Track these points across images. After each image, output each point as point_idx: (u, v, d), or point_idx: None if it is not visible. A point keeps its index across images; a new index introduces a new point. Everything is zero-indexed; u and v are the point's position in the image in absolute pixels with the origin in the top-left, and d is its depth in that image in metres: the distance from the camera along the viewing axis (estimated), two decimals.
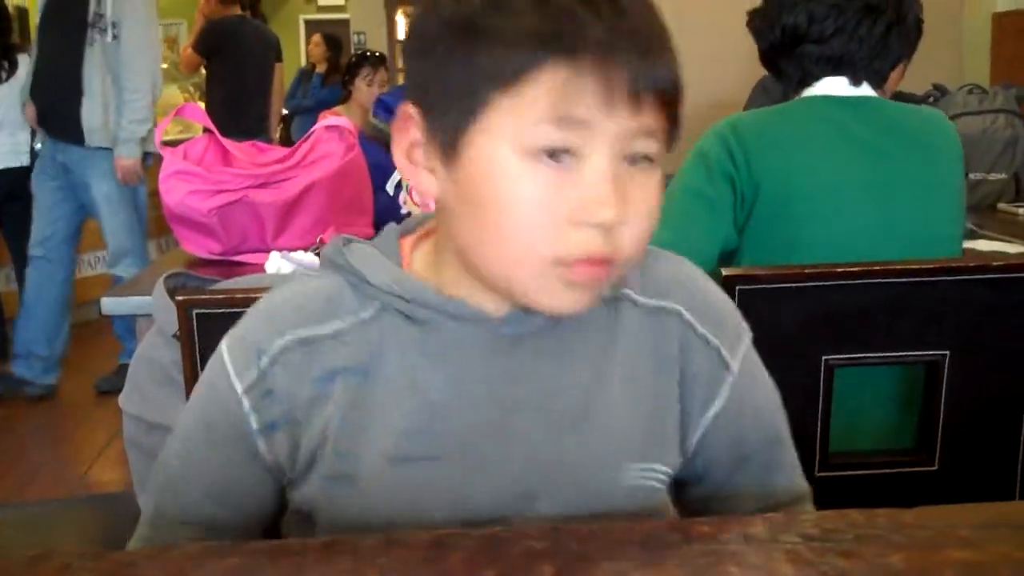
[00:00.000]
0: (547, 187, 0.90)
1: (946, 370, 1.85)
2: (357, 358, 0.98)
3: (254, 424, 0.99)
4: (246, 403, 0.99)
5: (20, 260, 6.15)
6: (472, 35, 0.90)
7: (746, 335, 1.09)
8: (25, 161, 5.96)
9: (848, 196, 1.92)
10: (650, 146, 0.93)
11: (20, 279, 6.17)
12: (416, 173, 0.99)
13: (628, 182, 0.92)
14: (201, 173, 2.48)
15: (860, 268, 1.79)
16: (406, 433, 0.98)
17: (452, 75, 0.92)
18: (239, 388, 0.99)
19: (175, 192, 2.51)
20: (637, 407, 1.03)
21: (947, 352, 1.83)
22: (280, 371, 0.98)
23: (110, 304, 2.23)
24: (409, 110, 0.98)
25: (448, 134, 0.94)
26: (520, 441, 0.99)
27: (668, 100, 0.92)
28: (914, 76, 3.61)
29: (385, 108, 2.92)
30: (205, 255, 2.59)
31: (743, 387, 1.07)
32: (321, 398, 0.98)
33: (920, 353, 1.84)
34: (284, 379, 0.98)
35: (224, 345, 1.02)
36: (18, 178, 5.93)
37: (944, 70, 4.10)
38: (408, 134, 0.98)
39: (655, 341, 1.04)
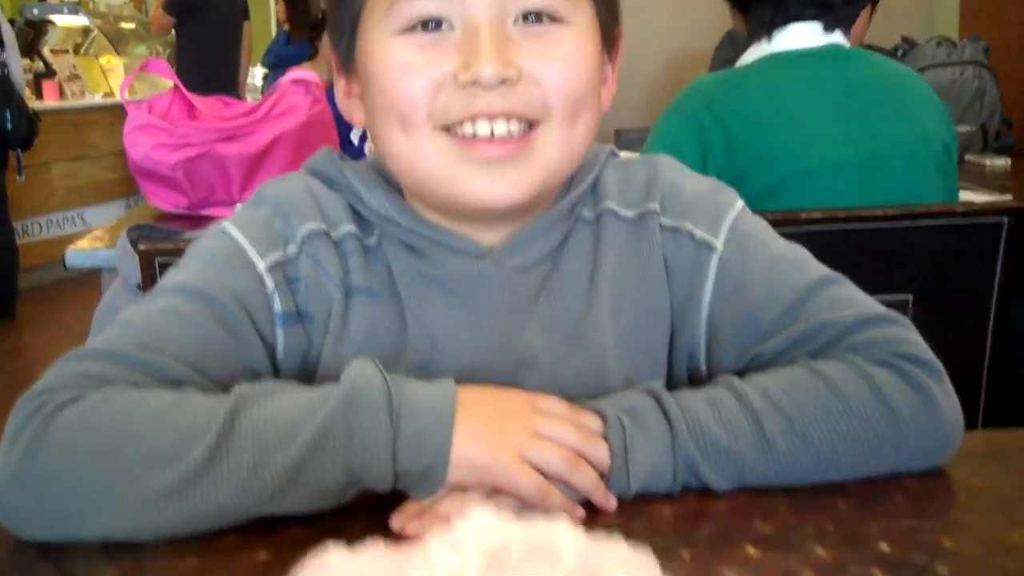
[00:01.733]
0: (423, 52, 0.92)
1: (909, 314, 1.86)
2: (371, 279, 0.99)
3: (278, 307, 0.96)
4: (269, 282, 0.96)
5: None
6: None
7: (730, 208, 1.04)
8: None
9: (834, 172, 1.88)
10: (544, 1, 0.93)
11: None
12: (349, 107, 1.02)
13: (525, 39, 0.92)
14: (166, 127, 2.46)
15: (824, 214, 1.80)
16: (411, 364, 0.98)
17: None
18: (261, 266, 0.96)
19: (140, 146, 2.49)
20: (625, 324, 1.03)
21: (910, 296, 1.85)
22: (307, 262, 0.97)
23: (75, 257, 2.20)
24: (332, 51, 1.02)
25: (344, 47, 1.00)
26: (521, 368, 0.99)
27: None
28: (884, 28, 3.61)
29: None
30: (171, 209, 2.57)
31: (735, 258, 1.02)
32: (341, 311, 0.97)
33: (884, 296, 1.85)
34: (311, 273, 0.97)
35: (229, 226, 0.99)
36: None
37: (914, 23, 4.11)
38: (339, 74, 1.03)
39: (640, 253, 1.04)
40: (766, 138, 1.86)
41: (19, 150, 6.06)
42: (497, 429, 0.85)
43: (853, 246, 1.84)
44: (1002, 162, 3.25)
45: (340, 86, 1.04)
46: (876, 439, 0.91)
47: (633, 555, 0.29)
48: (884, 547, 0.83)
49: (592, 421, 0.89)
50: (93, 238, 2.36)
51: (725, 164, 1.85)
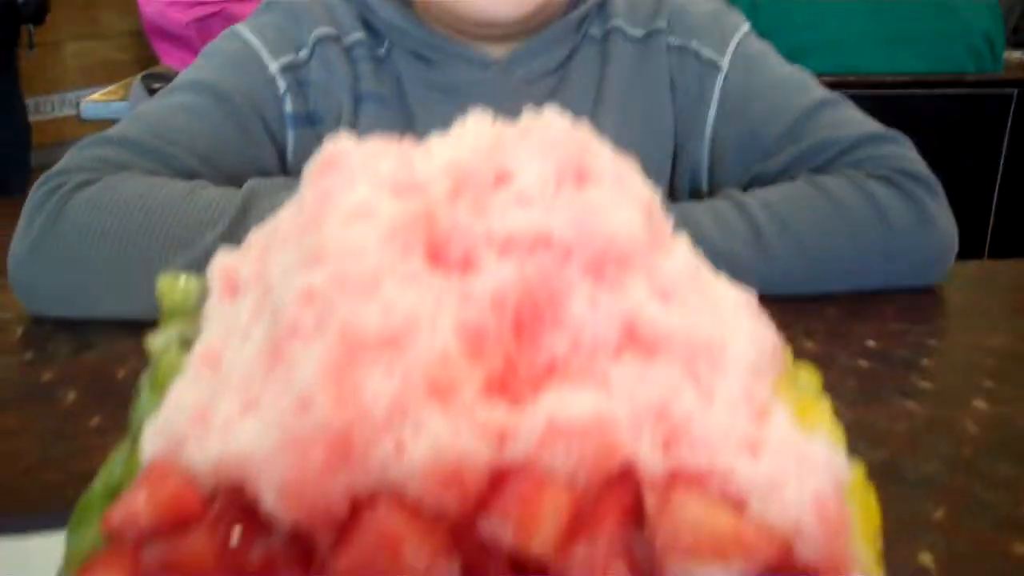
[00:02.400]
0: None
1: None
2: (381, 86, 1.00)
3: (289, 107, 0.99)
4: (281, 84, 0.98)
5: None
6: None
7: (737, 29, 1.06)
8: None
9: (857, 44, 1.87)
10: None
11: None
12: None
13: None
14: None
15: (835, 80, 1.79)
16: None
17: None
18: (273, 68, 0.98)
19: (154, 3, 2.48)
20: (629, 139, 1.04)
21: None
22: (318, 67, 0.99)
23: (90, 109, 2.21)
24: None
25: None
26: None
27: None
28: None
29: None
30: (183, 68, 2.56)
31: (740, 78, 1.04)
32: (350, 116, 0.99)
33: None
34: (322, 76, 0.99)
35: (242, 29, 1.01)
36: None
37: None
38: None
39: (646, 70, 1.05)
40: (790, 3, 1.86)
41: (31, 25, 6.01)
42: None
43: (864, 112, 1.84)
44: (1018, 55, 3.22)
45: None
46: (871, 249, 0.93)
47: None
48: (871, 343, 0.86)
49: None
50: (107, 92, 2.37)
51: None
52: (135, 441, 0.31)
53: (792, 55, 1.86)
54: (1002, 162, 1.92)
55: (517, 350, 0.28)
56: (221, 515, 0.26)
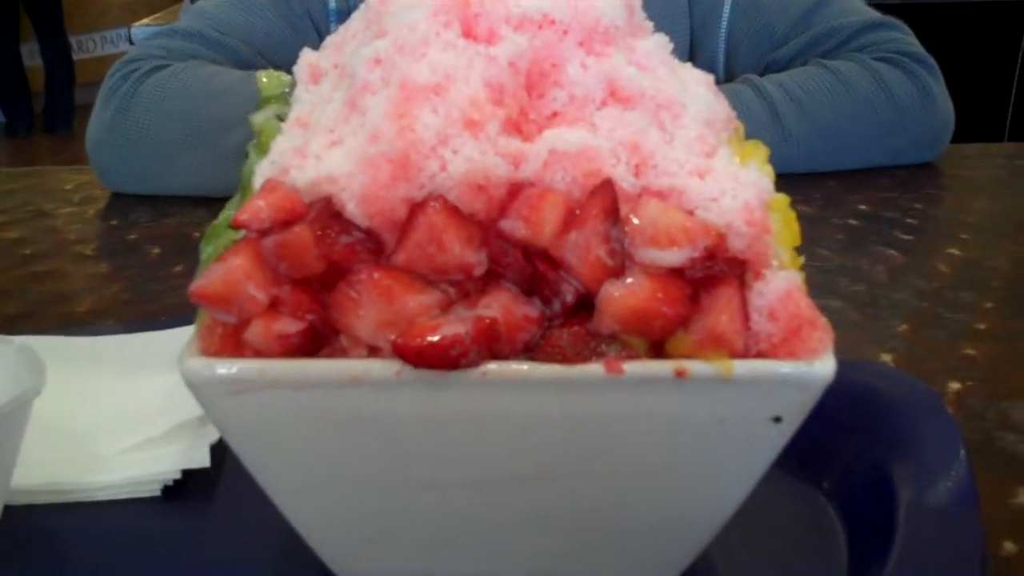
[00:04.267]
0: None
1: None
2: None
3: (332, 3, 1.08)
4: None
5: (43, 35, 6.18)
6: None
7: None
8: None
9: None
10: None
11: (44, 53, 6.21)
12: None
13: None
14: None
15: None
16: None
17: None
18: None
19: None
20: None
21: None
22: None
23: (140, 33, 2.31)
24: None
25: None
26: None
27: None
28: None
29: None
30: None
31: None
32: None
33: None
34: None
35: None
36: None
37: None
38: None
39: None
40: None
41: None
42: None
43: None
44: None
45: None
46: (879, 123, 1.02)
47: None
48: (863, 207, 0.95)
49: None
50: (155, 18, 2.47)
51: None
52: (245, 190, 0.41)
53: None
54: (1017, 74, 1.98)
55: (528, 101, 0.38)
56: (316, 217, 0.37)
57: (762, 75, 1.07)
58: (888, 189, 1.00)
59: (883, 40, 1.06)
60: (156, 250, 0.86)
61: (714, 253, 0.37)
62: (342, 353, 0.37)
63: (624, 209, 0.37)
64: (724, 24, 1.13)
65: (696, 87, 0.41)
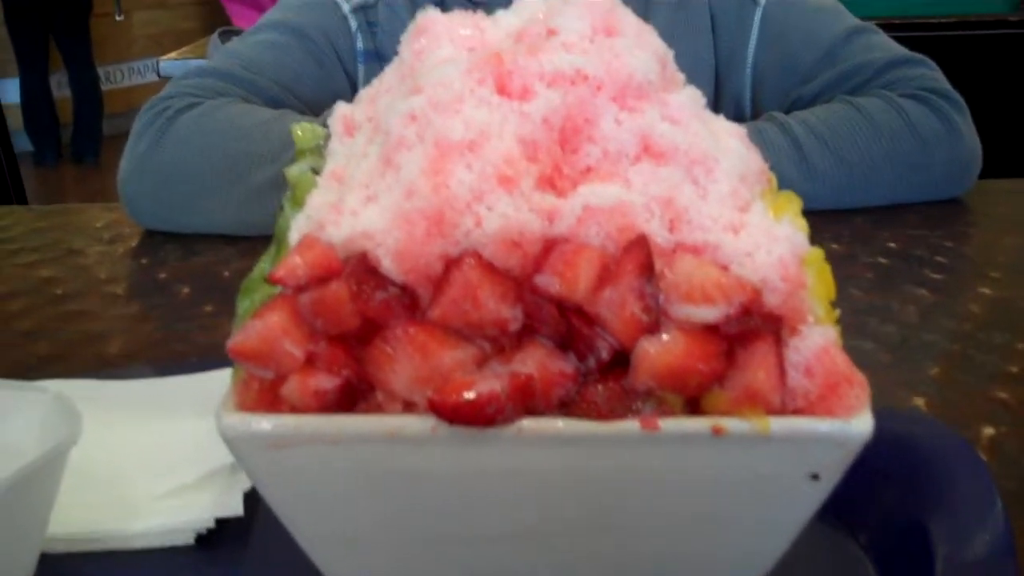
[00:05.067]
0: None
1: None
2: None
3: (360, 44, 1.10)
4: (353, 23, 1.10)
5: (72, 66, 6.25)
6: None
7: None
8: None
9: None
10: None
11: (73, 85, 6.29)
12: None
13: None
14: None
15: (879, 21, 1.86)
16: None
17: None
18: (345, 8, 1.10)
19: None
20: None
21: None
22: (384, 9, 1.10)
23: (169, 66, 2.34)
24: None
25: None
26: None
27: None
28: None
29: None
30: None
31: (777, 10, 1.13)
32: None
33: None
34: (387, 17, 1.10)
35: None
36: None
37: None
38: None
39: (687, 13, 1.14)
40: None
41: None
42: None
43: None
44: None
45: None
46: (905, 160, 1.01)
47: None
48: (891, 244, 0.95)
49: None
50: (182, 52, 2.49)
51: None
52: (280, 243, 0.42)
53: None
54: None
55: (562, 157, 0.38)
56: (352, 273, 0.37)
57: (788, 111, 1.07)
58: (917, 226, 1.00)
59: (909, 76, 1.06)
60: (186, 289, 0.87)
61: (749, 309, 0.37)
62: (378, 408, 0.37)
63: (659, 264, 0.37)
64: (750, 58, 1.13)
65: (729, 140, 0.42)
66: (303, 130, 0.45)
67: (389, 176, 0.38)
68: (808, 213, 1.03)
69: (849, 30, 1.09)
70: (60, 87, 6.41)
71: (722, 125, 0.43)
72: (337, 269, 0.37)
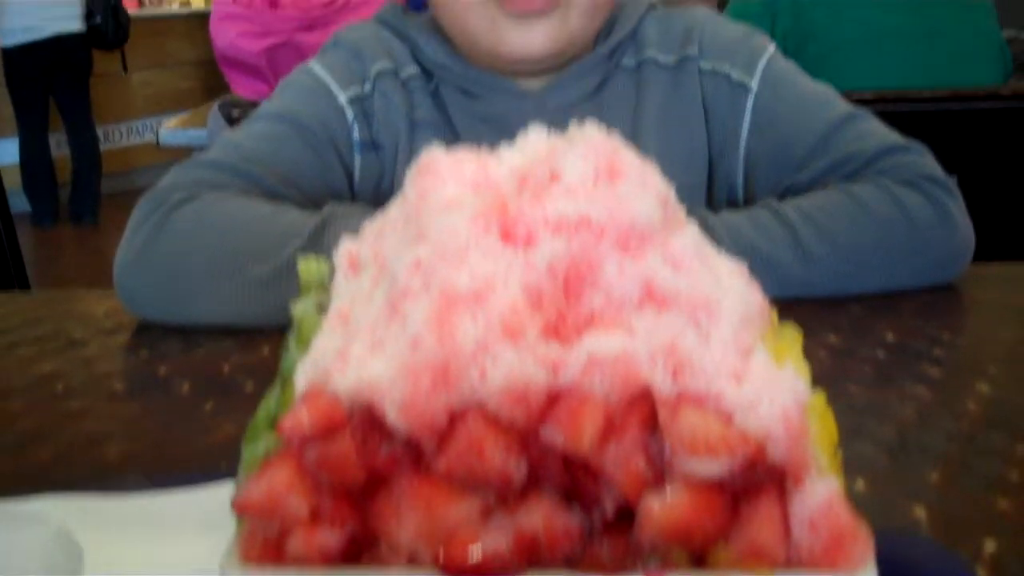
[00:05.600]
0: None
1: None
2: (434, 115, 1.12)
3: (356, 135, 1.11)
4: (349, 113, 1.11)
5: (71, 127, 6.29)
6: None
7: (764, 51, 1.15)
8: (77, 27, 6.03)
9: (895, 46, 1.96)
10: None
11: (72, 145, 6.32)
12: None
13: None
14: (250, 15, 2.59)
15: (874, 95, 1.88)
16: None
17: None
18: (342, 99, 1.11)
19: (226, 34, 2.62)
20: (669, 162, 1.13)
21: (955, 176, 1.93)
22: (379, 99, 1.11)
23: (168, 136, 2.36)
24: None
25: None
26: None
27: None
28: None
29: None
30: (254, 97, 2.70)
31: (769, 97, 1.13)
32: (407, 143, 1.11)
33: None
34: (382, 107, 1.11)
35: (313, 65, 1.13)
36: (71, 45, 6.01)
37: None
38: None
39: (680, 95, 1.15)
40: (830, 5, 1.96)
41: (122, 49, 6.34)
42: None
43: (901, 125, 1.92)
44: None
45: None
46: (899, 246, 1.02)
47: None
48: (889, 336, 0.95)
49: None
50: (182, 120, 2.51)
51: (792, 25, 1.95)
52: (285, 382, 0.42)
53: (836, 51, 1.97)
54: None
55: (566, 304, 0.39)
56: (358, 426, 0.37)
57: (782, 197, 1.08)
58: (912, 315, 1.00)
59: (902, 163, 1.07)
60: (186, 385, 0.87)
61: (754, 462, 0.37)
62: (382, 560, 0.37)
63: (662, 415, 0.37)
64: (743, 144, 1.14)
65: (730, 280, 0.42)
66: (307, 265, 0.46)
67: (395, 325, 0.38)
68: (806, 301, 1.03)
69: (842, 117, 1.11)
70: (59, 146, 6.45)
71: (724, 265, 0.43)
72: (342, 422, 0.37)
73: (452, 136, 1.12)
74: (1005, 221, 2.02)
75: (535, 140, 0.44)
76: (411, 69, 1.13)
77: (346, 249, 0.44)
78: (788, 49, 1.97)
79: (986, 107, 2.01)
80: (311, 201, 1.04)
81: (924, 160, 1.08)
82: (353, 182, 1.11)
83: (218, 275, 0.94)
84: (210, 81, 7.03)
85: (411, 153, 1.11)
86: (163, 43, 7.58)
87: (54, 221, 6.29)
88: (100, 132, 6.66)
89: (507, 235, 0.39)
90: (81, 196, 6.33)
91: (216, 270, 0.95)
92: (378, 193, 1.12)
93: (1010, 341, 0.95)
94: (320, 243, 0.94)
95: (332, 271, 0.44)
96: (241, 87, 2.74)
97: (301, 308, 0.44)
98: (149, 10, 7.74)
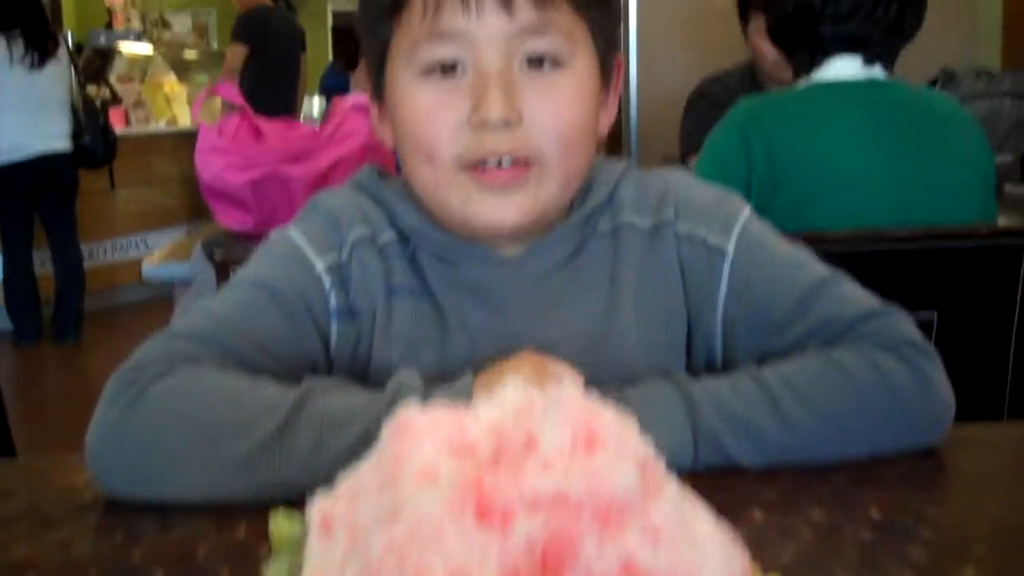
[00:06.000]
0: (442, 97, 1.05)
1: (934, 330, 1.95)
2: (411, 281, 1.12)
3: (333, 302, 1.10)
4: (326, 281, 1.10)
5: (56, 244, 6.31)
6: None
7: (739, 215, 1.16)
8: (65, 146, 6.08)
9: (869, 189, 1.97)
10: (549, 45, 1.05)
11: (56, 264, 6.33)
12: (381, 130, 1.17)
13: (528, 83, 1.04)
14: (235, 148, 2.62)
15: (852, 234, 1.90)
16: (456, 356, 1.10)
17: (367, 22, 1.11)
18: (319, 266, 1.10)
19: (211, 167, 2.64)
20: (647, 326, 1.14)
21: (935, 313, 1.94)
22: (356, 266, 1.11)
23: (151, 272, 2.36)
24: (366, 78, 1.17)
25: (375, 79, 1.14)
26: None
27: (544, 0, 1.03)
28: (926, 60, 3.70)
29: None
30: (238, 228, 2.72)
31: (745, 262, 1.14)
32: (385, 309, 1.10)
33: (909, 313, 1.93)
34: (359, 274, 1.11)
35: (291, 231, 1.13)
36: (58, 164, 6.05)
37: (955, 54, 4.19)
38: (372, 101, 1.18)
39: (657, 258, 1.15)
40: (802, 149, 1.98)
41: (110, 167, 6.41)
42: (509, 370, 0.97)
43: (880, 265, 1.94)
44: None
45: (374, 111, 1.18)
46: (880, 413, 1.02)
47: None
48: (874, 512, 0.95)
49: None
50: (166, 254, 2.52)
51: (765, 171, 1.97)
52: None
53: (809, 198, 1.98)
54: (1017, 314, 2.00)
55: None
56: None
57: (760, 362, 1.08)
58: (896, 486, 0.99)
59: (881, 328, 1.08)
60: (160, 572, 0.85)
61: None
62: None
63: None
64: (720, 308, 1.15)
65: (712, 544, 0.42)
66: (278, 524, 0.45)
67: None
68: (786, 469, 1.01)
69: (818, 281, 1.12)
70: (43, 264, 6.45)
71: (705, 527, 0.43)
72: None
73: (431, 301, 1.12)
74: (984, 361, 2.02)
75: (512, 395, 0.43)
76: (388, 235, 1.13)
77: (320, 507, 0.44)
78: (763, 190, 2.00)
79: (964, 246, 2.03)
80: (287, 370, 1.03)
81: (903, 325, 1.09)
82: (329, 349, 1.11)
83: (193, 454, 0.93)
84: (196, 199, 7.07)
85: (388, 319, 1.11)
86: (150, 161, 7.65)
87: (37, 339, 6.26)
88: (85, 249, 6.67)
89: (483, 514, 0.39)
90: (64, 315, 6.31)
91: (191, 448, 0.93)
92: (355, 359, 1.11)
93: (995, 514, 0.94)
94: (297, 419, 0.93)
95: (305, 531, 0.44)
96: (226, 218, 2.75)
97: (274, 571, 0.43)
98: (136, 128, 7.83)
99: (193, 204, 7.31)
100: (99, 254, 7.23)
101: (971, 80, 3.51)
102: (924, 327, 1.95)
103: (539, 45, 1.04)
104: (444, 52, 1.04)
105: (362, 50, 1.15)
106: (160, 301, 5.58)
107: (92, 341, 6.30)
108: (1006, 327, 2.08)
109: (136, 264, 6.88)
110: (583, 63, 1.08)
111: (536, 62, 1.05)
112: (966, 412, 1.95)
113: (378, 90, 1.14)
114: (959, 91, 3.42)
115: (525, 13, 1.03)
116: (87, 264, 6.65)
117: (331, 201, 1.16)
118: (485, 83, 1.03)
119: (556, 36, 1.05)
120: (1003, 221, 2.69)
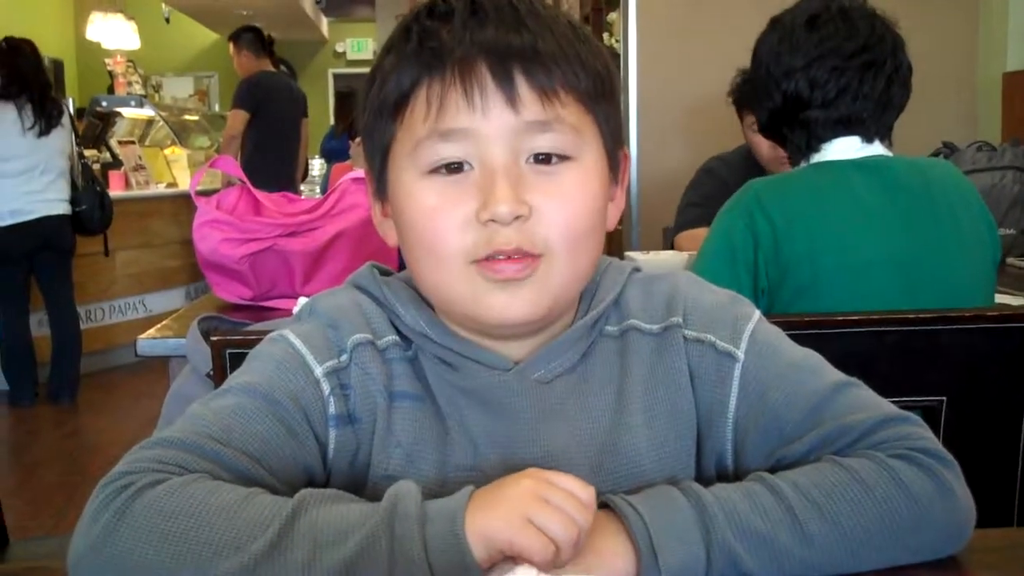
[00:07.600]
0: (449, 194, 1.02)
1: (943, 416, 1.91)
2: (413, 385, 1.08)
3: (332, 409, 1.05)
4: (325, 387, 1.05)
5: (52, 306, 6.29)
6: (375, 77, 1.07)
7: (748, 320, 1.13)
8: (61, 210, 6.08)
9: (874, 272, 1.95)
10: (555, 141, 1.03)
11: (52, 324, 6.30)
12: (384, 227, 1.14)
13: (535, 178, 1.02)
14: (233, 222, 2.59)
15: (860, 317, 1.87)
16: (459, 464, 1.06)
17: (369, 122, 1.09)
18: (318, 372, 1.06)
19: (209, 240, 2.62)
20: (657, 430, 1.10)
21: (944, 398, 1.90)
22: (357, 371, 1.06)
23: (145, 346, 2.33)
24: (366, 173, 1.14)
25: (377, 175, 1.11)
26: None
27: (550, 95, 1.01)
28: (928, 134, 3.70)
29: None
30: (236, 300, 2.69)
31: (757, 367, 1.10)
32: (385, 414, 1.06)
33: (918, 399, 1.90)
34: (360, 379, 1.06)
35: (289, 335, 1.09)
36: (56, 227, 6.05)
37: (957, 129, 4.19)
38: (374, 198, 1.15)
39: (665, 362, 1.12)
40: (808, 234, 1.95)
41: (104, 233, 6.41)
42: (505, 498, 0.91)
43: (888, 348, 1.90)
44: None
45: (376, 209, 1.15)
46: (900, 524, 0.98)
47: None
48: None
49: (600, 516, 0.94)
50: (162, 327, 2.48)
51: (772, 256, 1.94)
52: None
53: (815, 283, 1.95)
54: None
55: None
56: None
57: (773, 470, 1.04)
58: None
59: (897, 436, 1.04)
60: None
61: None
62: None
63: None
64: (731, 413, 1.11)
65: None
66: None
67: None
68: None
69: (832, 387, 1.08)
70: (39, 325, 6.43)
71: None
72: None
73: (432, 407, 1.08)
74: (996, 443, 1.98)
75: None
76: (389, 337, 1.09)
77: None
78: (770, 277, 1.97)
79: (973, 328, 2.00)
80: (283, 479, 0.99)
81: (920, 431, 1.05)
82: (327, 456, 1.06)
83: (180, 569, 0.89)
84: (194, 259, 7.06)
85: (389, 424, 1.06)
86: (149, 223, 7.65)
87: (33, 400, 6.22)
88: (82, 311, 6.64)
89: None
90: (60, 376, 6.27)
91: (179, 564, 0.89)
92: (353, 466, 1.07)
93: None
94: (291, 535, 0.89)
95: None
96: (222, 290, 2.73)
97: None
98: (136, 192, 7.82)
99: (192, 265, 7.28)
100: (96, 315, 7.20)
101: (972, 153, 3.51)
102: (932, 410, 1.93)
103: (545, 141, 1.02)
104: (450, 151, 1.02)
105: (364, 150, 1.13)
106: (157, 363, 5.54)
107: (88, 402, 6.26)
108: (1016, 410, 2.04)
109: (134, 325, 6.86)
110: (591, 157, 1.06)
111: (544, 158, 1.03)
112: (977, 497, 1.91)
113: (380, 189, 1.11)
114: (961, 164, 3.41)
115: (531, 109, 1.01)
116: (84, 325, 6.63)
117: (330, 303, 1.12)
118: (493, 179, 1.00)
119: (563, 131, 1.02)
120: (1005, 297, 2.66)
